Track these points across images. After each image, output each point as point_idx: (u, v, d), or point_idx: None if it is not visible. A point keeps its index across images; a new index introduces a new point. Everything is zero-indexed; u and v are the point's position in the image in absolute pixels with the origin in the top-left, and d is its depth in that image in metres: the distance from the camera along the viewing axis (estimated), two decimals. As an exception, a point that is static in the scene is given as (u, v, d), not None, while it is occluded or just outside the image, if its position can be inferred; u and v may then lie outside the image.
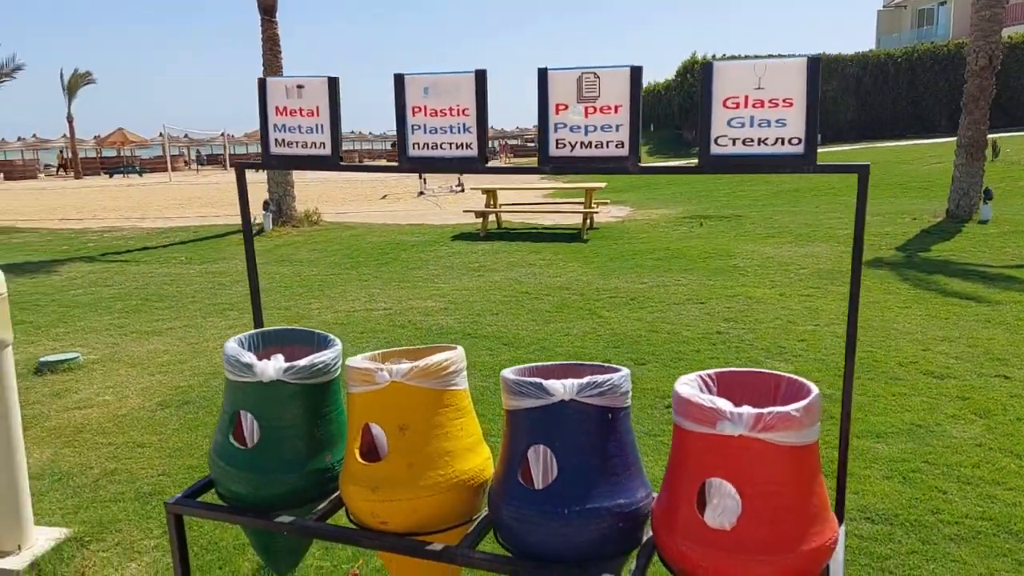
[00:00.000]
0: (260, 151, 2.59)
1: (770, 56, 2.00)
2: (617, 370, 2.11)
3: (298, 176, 17.39)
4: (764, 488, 1.82)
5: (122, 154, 51.55)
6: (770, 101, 2.00)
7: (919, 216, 12.26)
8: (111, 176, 42.96)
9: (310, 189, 23.71)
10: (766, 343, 5.94)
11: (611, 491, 2.01)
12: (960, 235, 10.56)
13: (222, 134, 48.52)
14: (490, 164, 2.43)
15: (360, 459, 2.22)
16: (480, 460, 2.27)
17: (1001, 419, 4.32)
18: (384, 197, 21.95)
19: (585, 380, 2.01)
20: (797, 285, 7.96)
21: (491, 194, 13.85)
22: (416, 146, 2.38)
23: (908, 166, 19.37)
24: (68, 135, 44.69)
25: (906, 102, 32.93)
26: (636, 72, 2.12)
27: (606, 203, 15.83)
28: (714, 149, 2.07)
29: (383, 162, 36.60)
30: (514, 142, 57.00)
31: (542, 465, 2.22)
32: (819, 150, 1.99)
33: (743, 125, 2.03)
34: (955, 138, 12.31)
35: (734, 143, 2.05)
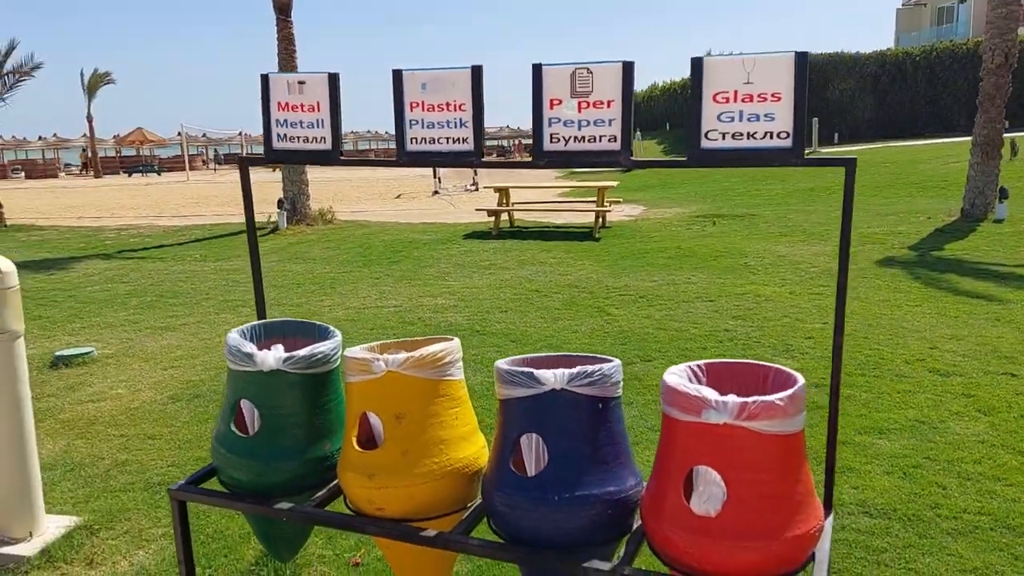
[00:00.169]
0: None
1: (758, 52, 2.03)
2: (608, 361, 2.15)
3: (314, 175, 17.54)
4: (749, 476, 1.85)
5: (141, 153, 52.07)
6: (759, 96, 2.03)
7: (934, 215, 12.18)
8: (130, 175, 43.36)
9: (326, 188, 23.86)
10: (773, 340, 5.95)
11: (601, 479, 2.05)
12: (974, 234, 10.49)
13: (240, 133, 48.82)
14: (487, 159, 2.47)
15: (357, 447, 2.27)
16: (475, 449, 2.31)
17: (1006, 416, 4.32)
18: (399, 196, 22.05)
19: (576, 370, 2.05)
20: (807, 283, 7.95)
21: (504, 192, 13.90)
22: (414, 140, 2.42)
23: (925, 165, 19.22)
24: (88, 134, 45.16)
25: (924, 101, 32.62)
26: (628, 67, 2.16)
27: (619, 202, 15.84)
28: (704, 143, 2.10)
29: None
30: (528, 141, 57.04)
31: (534, 453, 2.26)
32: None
33: (733, 119, 2.06)
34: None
35: (724, 137, 2.08)
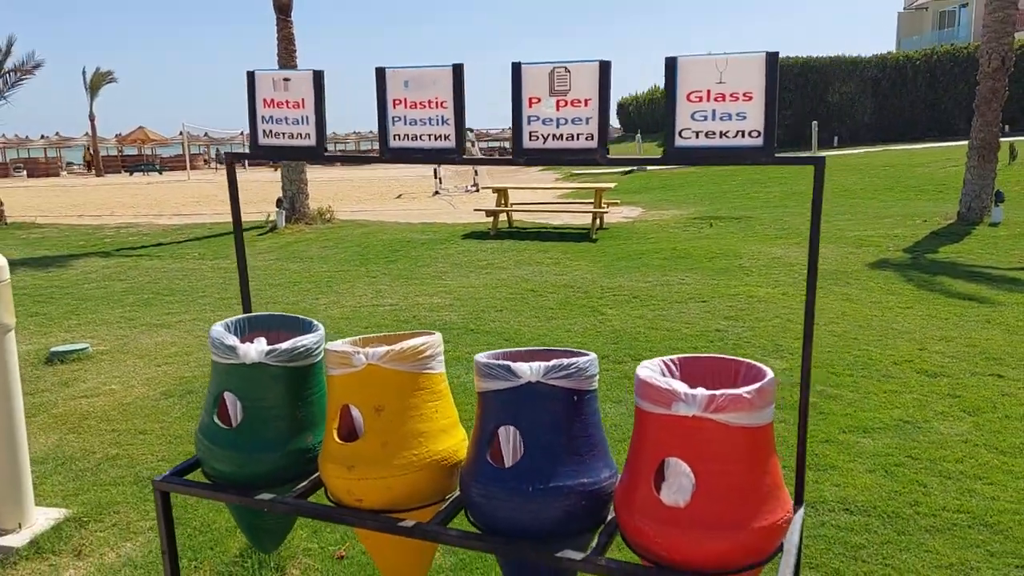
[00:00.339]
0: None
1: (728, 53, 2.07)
2: (584, 354, 2.18)
3: (314, 175, 17.56)
4: (717, 467, 1.89)
5: (143, 152, 52.14)
6: (731, 95, 2.06)
7: (930, 218, 12.21)
8: (131, 174, 43.41)
9: (327, 188, 23.90)
10: (763, 341, 5.98)
11: (575, 470, 2.08)
12: (969, 237, 10.52)
13: (241, 133, 48.87)
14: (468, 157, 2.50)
15: (337, 439, 2.31)
16: (454, 442, 2.35)
17: (990, 416, 4.35)
18: (399, 196, 22.09)
19: (551, 363, 2.09)
20: (801, 285, 7.98)
21: (502, 193, 13.94)
22: (396, 137, 2.46)
23: (923, 169, 19.25)
24: (90, 133, 45.23)
25: (924, 105, 32.62)
26: (605, 66, 2.20)
27: (617, 203, 15.87)
28: (678, 141, 2.14)
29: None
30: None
31: (511, 445, 2.29)
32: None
33: (706, 118, 2.10)
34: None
35: (697, 136, 2.11)
